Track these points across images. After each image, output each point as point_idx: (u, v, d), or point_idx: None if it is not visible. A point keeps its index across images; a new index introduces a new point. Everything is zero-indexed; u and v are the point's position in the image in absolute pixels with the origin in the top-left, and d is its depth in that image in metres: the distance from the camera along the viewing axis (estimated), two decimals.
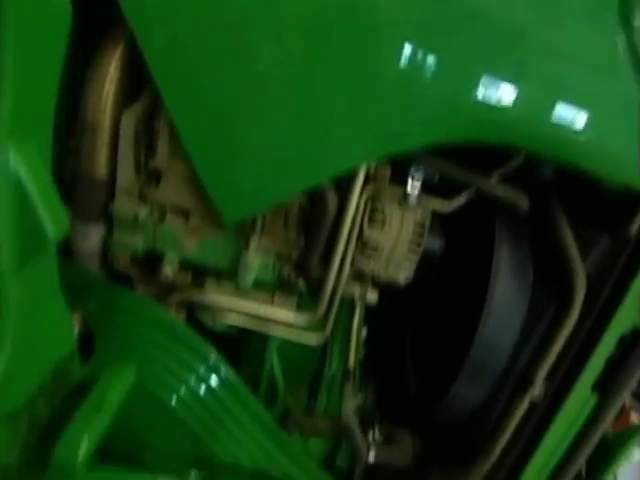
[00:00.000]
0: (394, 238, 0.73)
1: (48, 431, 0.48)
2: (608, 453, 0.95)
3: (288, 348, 0.89)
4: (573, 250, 0.70)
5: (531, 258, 0.78)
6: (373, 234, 0.73)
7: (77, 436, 0.48)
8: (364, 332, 0.94)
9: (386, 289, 0.82)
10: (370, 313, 0.93)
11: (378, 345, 0.97)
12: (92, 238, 0.85)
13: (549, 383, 0.77)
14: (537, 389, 0.76)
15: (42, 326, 0.49)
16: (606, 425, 0.83)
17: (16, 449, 0.45)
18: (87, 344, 0.79)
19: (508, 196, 0.74)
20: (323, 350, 0.91)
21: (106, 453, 0.85)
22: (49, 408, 0.49)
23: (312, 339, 0.79)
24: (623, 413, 0.93)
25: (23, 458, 0.46)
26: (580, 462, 0.86)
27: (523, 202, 0.74)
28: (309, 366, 0.91)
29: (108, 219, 0.83)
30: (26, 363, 0.46)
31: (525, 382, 0.77)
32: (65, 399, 0.53)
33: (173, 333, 0.79)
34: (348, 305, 0.86)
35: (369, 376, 0.98)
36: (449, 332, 0.87)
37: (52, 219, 0.41)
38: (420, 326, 0.98)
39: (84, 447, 0.48)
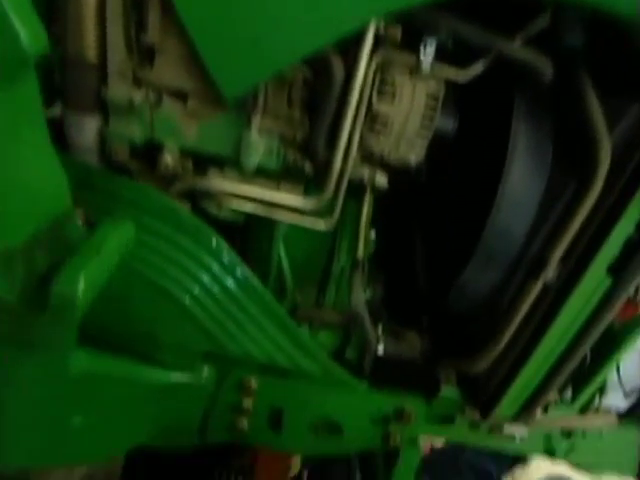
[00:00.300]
0: (405, 112, 0.69)
1: (46, 276, 0.47)
2: (613, 342, 0.95)
3: (295, 242, 0.88)
4: (599, 120, 0.65)
5: (551, 134, 0.73)
6: (382, 107, 0.69)
7: (74, 274, 0.47)
8: (373, 232, 0.93)
9: (396, 177, 0.79)
10: (378, 210, 0.91)
11: (387, 242, 0.95)
12: (88, 130, 0.81)
13: (564, 265, 0.75)
14: (551, 271, 0.74)
15: (28, 161, 0.47)
16: (616, 310, 0.82)
17: (15, 290, 0.45)
18: None
19: (531, 61, 0.67)
20: (331, 244, 0.89)
21: (119, 352, 0.87)
22: (47, 260, 0.48)
23: (320, 224, 0.77)
24: (631, 304, 0.92)
25: (22, 298, 0.46)
26: (587, 347, 0.86)
27: (547, 69, 0.68)
28: (317, 261, 0.90)
29: (103, 109, 0.79)
30: (14, 200, 0.45)
31: (539, 264, 0.75)
32: (64, 255, 0.53)
33: (178, 222, 0.77)
34: (357, 194, 0.83)
35: (378, 273, 0.97)
36: (460, 220, 0.84)
37: (29, 33, 0.37)
38: (430, 215, 0.95)
39: (82, 285, 0.47)
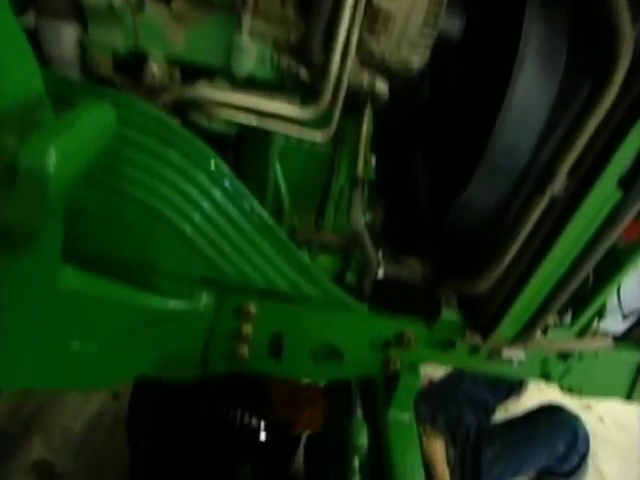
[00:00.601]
0: (407, 7, 0.63)
1: (15, 156, 0.44)
2: (617, 263, 0.93)
3: (292, 162, 0.84)
4: (622, 7, 0.60)
5: (567, 28, 0.68)
6: (383, 3, 0.63)
7: (43, 145, 0.43)
8: (373, 160, 0.89)
9: (397, 86, 0.74)
10: (378, 133, 0.86)
11: (387, 165, 0.92)
12: (65, 40, 0.75)
13: (572, 177, 0.72)
14: (559, 183, 0.71)
15: None
16: (625, 225, 0.79)
17: None
18: None
19: None
20: (330, 165, 0.85)
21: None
22: (15, 141, 0.45)
23: (317, 136, 0.73)
24: (637, 224, 0.90)
25: None
26: (591, 266, 0.84)
27: None
28: (315, 183, 0.87)
29: (81, 15, 0.73)
30: None
31: (546, 177, 0.72)
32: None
33: (167, 135, 0.73)
34: (356, 111, 0.79)
35: (378, 198, 0.94)
36: (464, 133, 0.80)
37: None
38: (432, 131, 0.91)
39: (52, 157, 0.43)
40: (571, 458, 1.69)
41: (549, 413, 1.71)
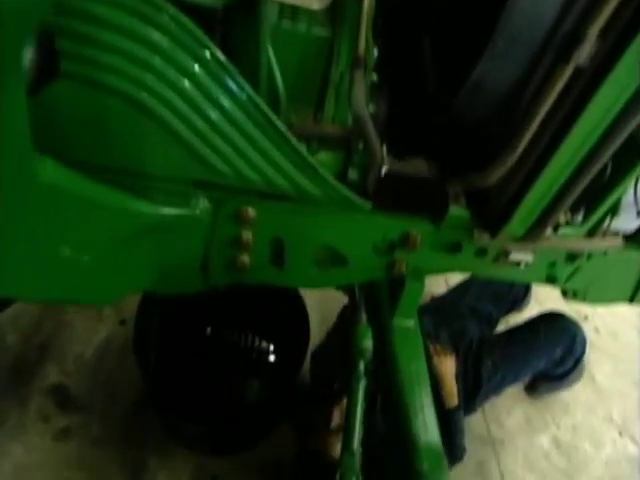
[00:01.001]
0: None
1: None
2: (637, 153, 0.87)
3: (287, 46, 0.76)
4: None
5: None
6: None
7: None
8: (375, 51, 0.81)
9: None
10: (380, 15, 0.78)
11: (391, 49, 0.84)
12: None
13: (603, 40, 0.64)
14: (587, 48, 0.63)
15: None
16: None
17: None
18: None
19: None
20: (328, 50, 0.78)
21: None
22: None
23: (313, 3, 0.65)
24: None
25: None
26: (609, 155, 0.79)
27: None
28: (313, 71, 0.79)
29: None
30: None
31: (572, 42, 0.64)
32: None
33: (148, 11, 0.65)
34: None
35: (381, 88, 0.87)
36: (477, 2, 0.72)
37: None
38: (441, 3, 0.82)
39: None
40: (567, 362, 1.74)
41: (549, 321, 1.73)
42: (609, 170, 0.84)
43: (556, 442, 1.88)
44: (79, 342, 1.88)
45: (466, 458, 1.55)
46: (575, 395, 2.01)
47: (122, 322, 1.93)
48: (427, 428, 1.03)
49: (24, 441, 1.58)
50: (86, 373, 1.79)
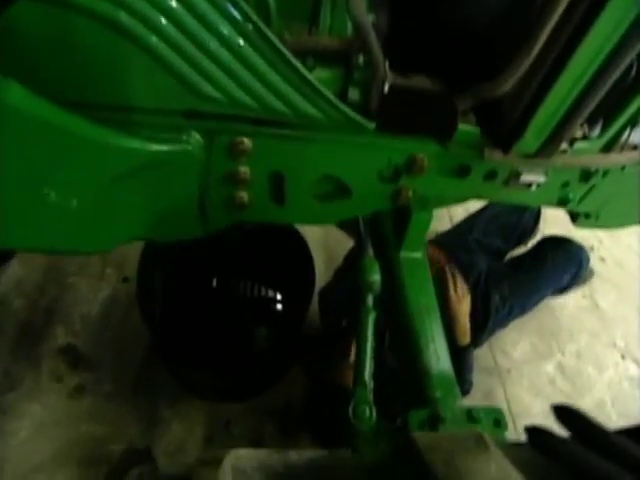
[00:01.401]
0: None
1: None
2: None
3: None
4: None
5: None
6: None
7: None
8: None
9: None
10: None
11: None
12: None
13: None
14: None
15: None
16: None
17: None
18: None
19: None
20: None
21: None
22: None
23: None
24: None
25: None
26: (631, 56, 0.72)
27: None
28: None
29: None
30: None
31: None
32: None
33: None
34: None
35: None
36: None
37: None
38: None
39: None
40: (571, 287, 1.73)
41: (556, 246, 1.70)
42: (634, 71, 0.77)
43: (560, 368, 1.91)
44: (84, 302, 1.88)
45: (473, 389, 1.57)
46: (580, 323, 2.03)
47: (125, 279, 1.92)
48: (439, 357, 1.02)
49: (41, 401, 1.60)
50: (93, 331, 1.80)
